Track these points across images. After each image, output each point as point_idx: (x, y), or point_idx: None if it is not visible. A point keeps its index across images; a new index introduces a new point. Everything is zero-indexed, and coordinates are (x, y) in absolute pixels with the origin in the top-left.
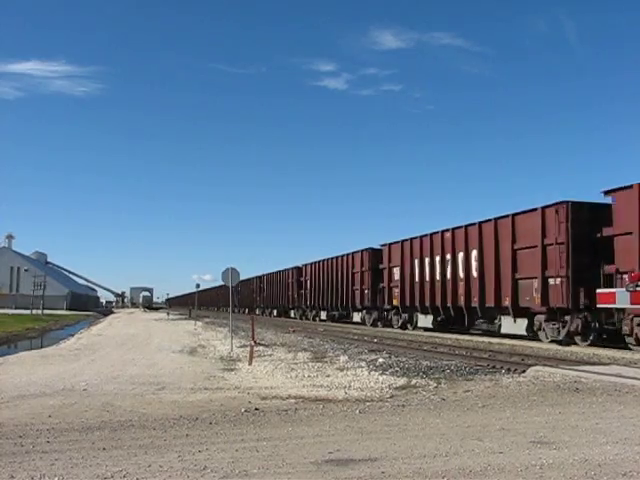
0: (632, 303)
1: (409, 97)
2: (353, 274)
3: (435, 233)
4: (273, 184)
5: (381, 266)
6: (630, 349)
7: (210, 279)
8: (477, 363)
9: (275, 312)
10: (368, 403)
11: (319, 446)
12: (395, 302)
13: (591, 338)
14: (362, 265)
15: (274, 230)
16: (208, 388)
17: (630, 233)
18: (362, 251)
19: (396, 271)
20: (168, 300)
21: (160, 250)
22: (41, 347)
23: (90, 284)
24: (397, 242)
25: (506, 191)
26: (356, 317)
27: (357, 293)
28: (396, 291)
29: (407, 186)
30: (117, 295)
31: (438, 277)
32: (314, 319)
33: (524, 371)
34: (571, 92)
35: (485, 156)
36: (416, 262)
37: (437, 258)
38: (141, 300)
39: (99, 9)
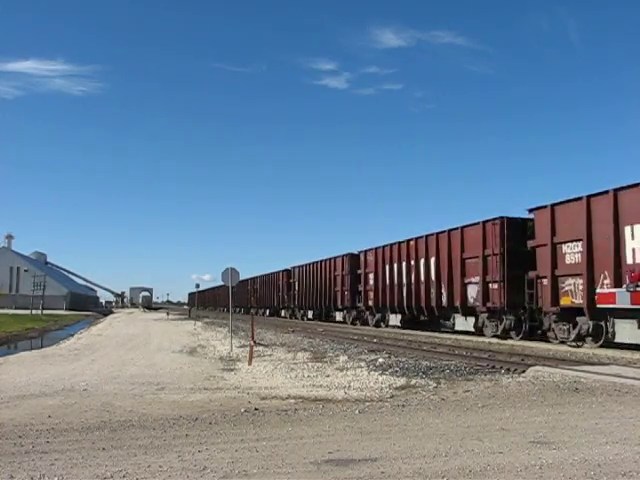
0: (632, 303)
1: (410, 96)
2: (464, 260)
3: None
4: (273, 183)
5: (530, 243)
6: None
7: (209, 279)
8: (477, 363)
9: (310, 314)
10: (368, 403)
11: (319, 446)
12: (566, 301)
13: None
14: (486, 246)
15: (274, 230)
16: (208, 388)
17: None
18: (489, 222)
19: (568, 249)
20: (190, 295)
21: (160, 250)
22: (41, 347)
23: (89, 284)
24: (567, 201)
25: (506, 191)
26: (460, 324)
27: (473, 289)
28: (568, 282)
29: (407, 186)
30: (117, 295)
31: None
32: (377, 325)
33: (524, 371)
34: (572, 91)
35: (485, 156)
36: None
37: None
38: (140, 300)
39: (99, 9)
